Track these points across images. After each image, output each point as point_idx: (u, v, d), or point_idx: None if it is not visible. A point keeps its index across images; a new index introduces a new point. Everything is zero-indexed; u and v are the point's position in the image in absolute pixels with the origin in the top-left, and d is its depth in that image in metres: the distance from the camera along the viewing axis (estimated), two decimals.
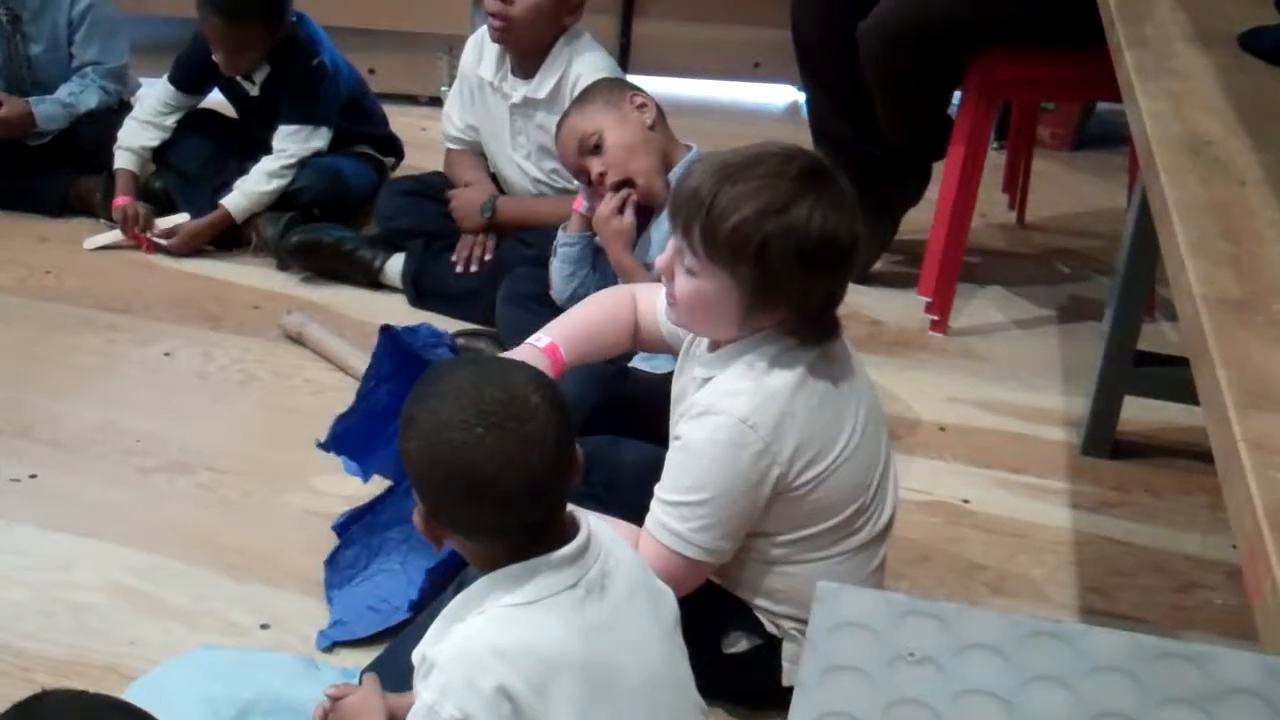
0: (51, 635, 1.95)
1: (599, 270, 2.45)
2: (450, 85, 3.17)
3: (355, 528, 2.11)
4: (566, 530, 1.37)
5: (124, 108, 3.31)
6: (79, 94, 3.23)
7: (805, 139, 2.95)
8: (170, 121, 3.19)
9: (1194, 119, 1.58)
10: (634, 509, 1.71)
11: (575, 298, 2.30)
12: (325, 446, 2.01)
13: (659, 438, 1.81)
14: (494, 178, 2.97)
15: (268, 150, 3.10)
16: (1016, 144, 3.43)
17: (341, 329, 2.78)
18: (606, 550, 1.39)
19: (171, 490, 2.30)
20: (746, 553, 1.73)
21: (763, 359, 1.64)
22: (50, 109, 3.20)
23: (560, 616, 1.33)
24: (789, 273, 1.59)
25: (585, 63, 2.73)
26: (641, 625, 1.41)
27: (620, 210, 2.33)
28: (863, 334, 2.83)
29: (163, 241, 3.10)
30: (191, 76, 3.17)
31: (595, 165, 2.36)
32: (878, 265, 3.08)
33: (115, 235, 3.15)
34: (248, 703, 1.69)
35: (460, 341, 2.53)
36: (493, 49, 2.85)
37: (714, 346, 1.72)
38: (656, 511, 1.68)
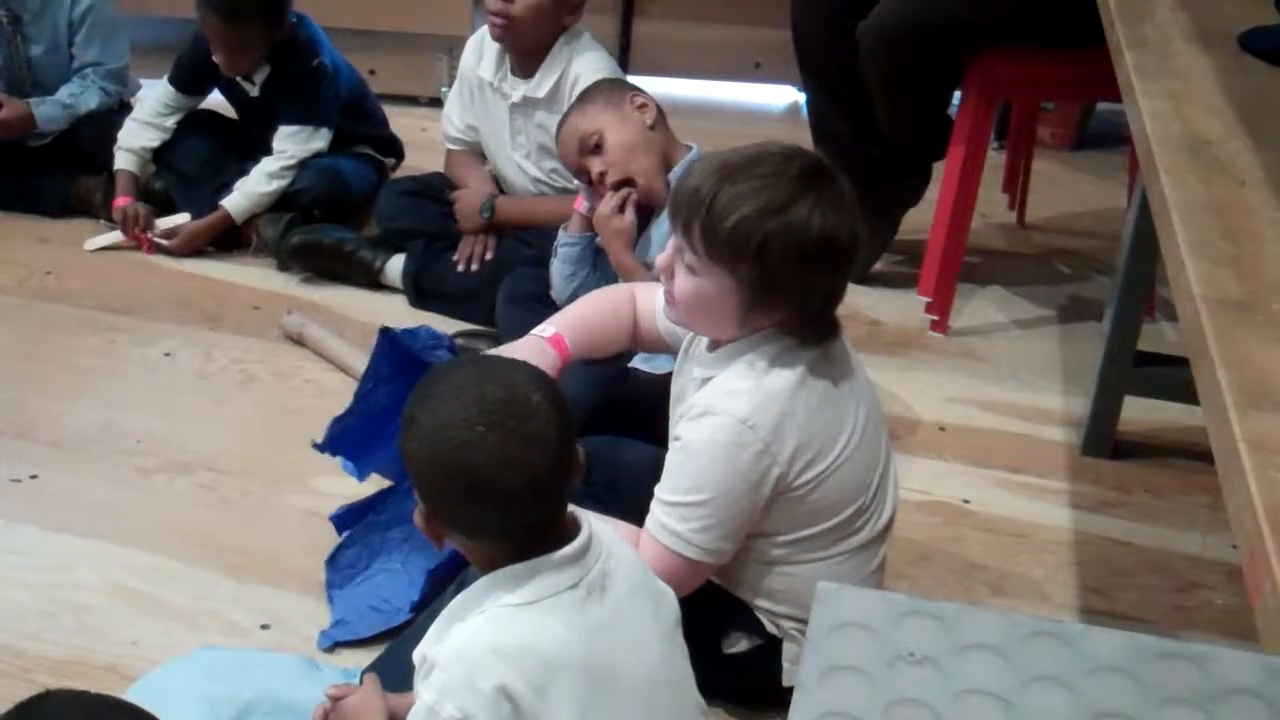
0: (52, 636, 1.95)
1: (599, 270, 2.45)
2: (450, 86, 3.17)
3: (356, 527, 2.11)
4: (568, 530, 1.37)
5: (124, 109, 3.31)
6: (79, 95, 3.24)
7: (805, 139, 2.95)
8: (170, 122, 3.19)
9: (1194, 119, 1.58)
10: (634, 509, 1.71)
11: (576, 298, 2.29)
12: (322, 448, 2.01)
13: (659, 438, 1.81)
14: (494, 178, 2.97)
15: (268, 151, 3.10)
16: (1016, 144, 3.43)
17: (342, 330, 2.78)
18: (607, 550, 1.39)
19: (172, 490, 2.30)
20: (747, 553, 1.73)
21: (762, 359, 1.64)
22: (50, 110, 3.20)
23: (561, 616, 1.33)
24: (789, 272, 1.59)
25: (585, 62, 2.73)
26: (642, 625, 1.41)
27: (620, 209, 2.34)
28: (863, 334, 2.83)
29: (164, 242, 3.10)
30: (191, 77, 3.17)
31: (596, 165, 2.36)
32: (878, 265, 3.08)
33: (116, 236, 3.15)
34: (248, 703, 1.69)
35: (460, 342, 2.53)
36: (492, 49, 2.85)
37: (713, 346, 1.72)
38: (656, 512, 1.68)
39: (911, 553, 2.18)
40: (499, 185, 2.95)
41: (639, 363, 2.25)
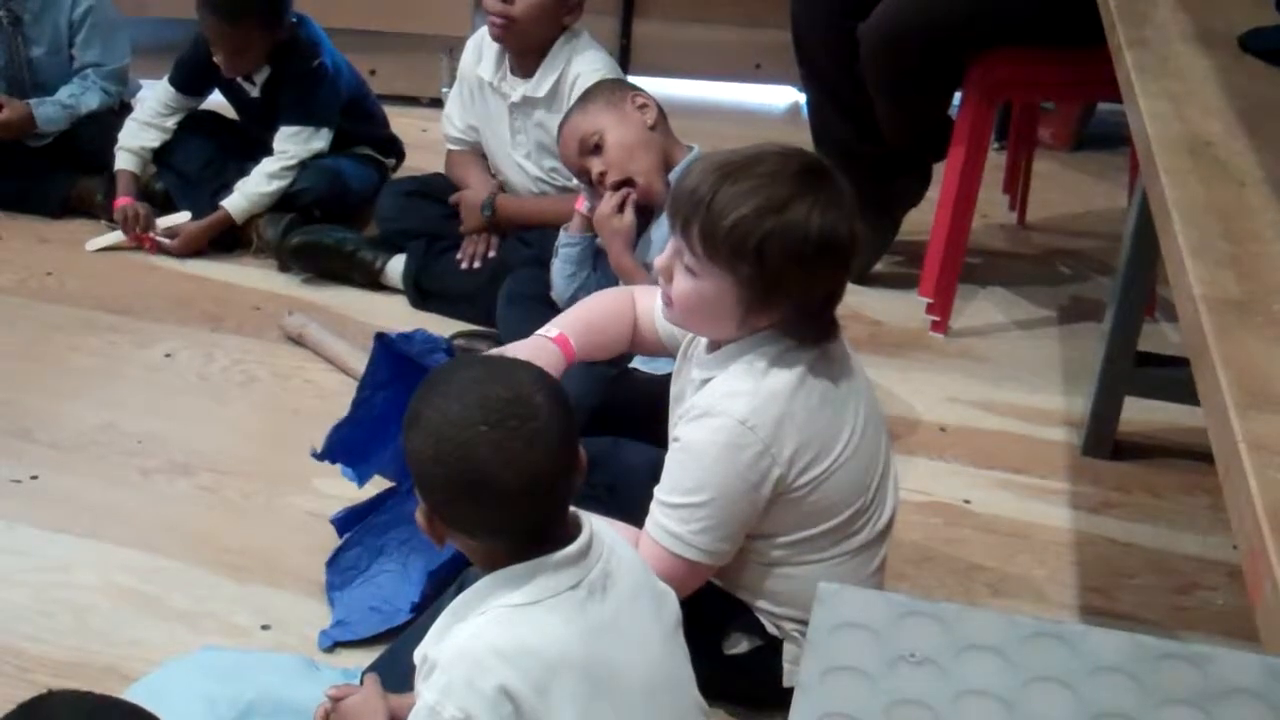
0: (52, 636, 1.95)
1: (600, 271, 2.46)
2: (450, 86, 3.17)
3: (357, 529, 2.11)
4: (569, 530, 1.37)
5: (125, 109, 3.31)
6: (80, 95, 3.23)
7: (805, 139, 2.95)
8: (171, 123, 3.19)
9: (1194, 119, 1.58)
10: (634, 510, 1.71)
11: (576, 299, 2.29)
12: (321, 456, 2.01)
13: (659, 439, 1.81)
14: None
15: (268, 152, 3.10)
16: (1017, 144, 3.43)
17: (342, 330, 2.78)
18: (609, 551, 1.39)
19: (172, 491, 2.30)
20: (747, 554, 1.73)
21: (762, 360, 1.64)
22: (51, 111, 3.20)
23: (562, 617, 1.33)
24: (788, 271, 1.59)
25: (584, 62, 2.73)
26: (643, 626, 1.41)
27: (620, 209, 2.34)
28: (863, 334, 2.83)
29: (165, 240, 3.10)
30: (192, 78, 3.17)
31: (596, 165, 2.36)
32: (878, 266, 3.08)
33: (116, 236, 3.15)
34: (249, 703, 1.69)
35: (460, 343, 2.54)
36: (492, 49, 2.85)
37: (713, 348, 1.72)
38: (656, 514, 1.68)
39: (912, 553, 2.18)
40: (499, 185, 2.95)
41: (639, 363, 2.25)
